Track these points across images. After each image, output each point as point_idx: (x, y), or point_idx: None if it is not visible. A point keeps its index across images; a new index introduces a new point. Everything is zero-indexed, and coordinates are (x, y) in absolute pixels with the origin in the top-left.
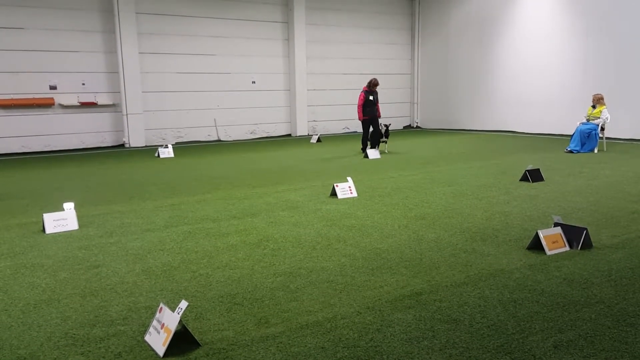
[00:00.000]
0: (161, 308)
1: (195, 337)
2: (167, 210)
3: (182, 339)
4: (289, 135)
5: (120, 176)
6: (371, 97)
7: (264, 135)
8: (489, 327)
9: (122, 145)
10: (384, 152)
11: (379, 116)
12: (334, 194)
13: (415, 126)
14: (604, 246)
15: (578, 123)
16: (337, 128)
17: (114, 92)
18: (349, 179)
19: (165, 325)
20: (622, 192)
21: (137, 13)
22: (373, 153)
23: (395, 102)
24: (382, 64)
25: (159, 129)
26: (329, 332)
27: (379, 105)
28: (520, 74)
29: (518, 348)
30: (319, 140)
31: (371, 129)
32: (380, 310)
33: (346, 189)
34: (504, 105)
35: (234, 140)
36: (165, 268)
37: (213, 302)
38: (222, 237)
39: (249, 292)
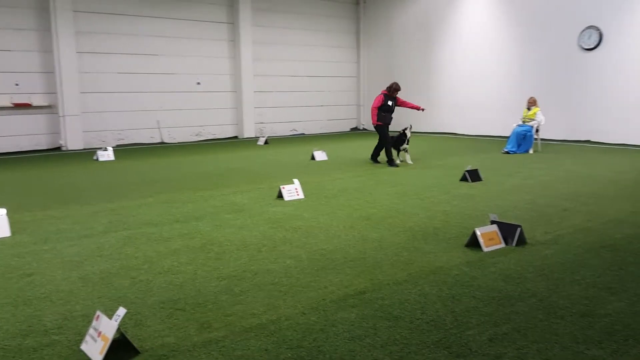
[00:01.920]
0: (98, 316)
1: (134, 345)
2: (106, 215)
3: (120, 347)
4: (236, 137)
5: (57, 180)
6: (390, 103)
7: (210, 137)
8: (428, 322)
9: (59, 149)
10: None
11: (389, 124)
12: (280, 196)
13: (361, 128)
14: (537, 242)
15: (514, 125)
16: (284, 130)
17: (50, 92)
18: (295, 180)
19: (102, 333)
20: (555, 190)
21: (74, 11)
22: (320, 155)
23: (342, 104)
24: (329, 66)
25: (98, 131)
26: (272, 334)
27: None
28: (461, 78)
29: (456, 342)
30: (266, 142)
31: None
32: (324, 310)
33: (293, 191)
34: (445, 108)
35: (178, 143)
36: (103, 275)
37: (154, 308)
38: (164, 241)
39: (192, 297)
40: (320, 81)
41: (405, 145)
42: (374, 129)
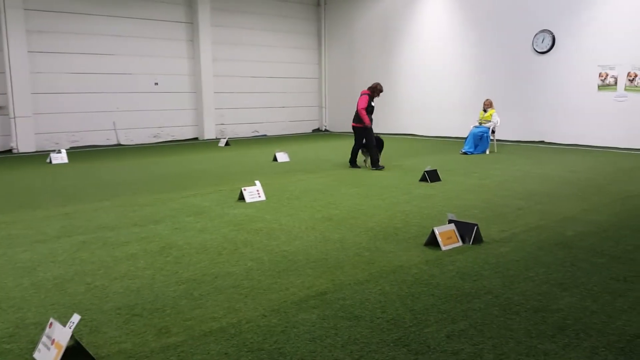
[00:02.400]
0: (51, 323)
1: (89, 352)
2: (59, 220)
3: (75, 355)
4: (196, 138)
5: (8, 184)
6: (373, 104)
7: (169, 139)
8: (388, 321)
9: (10, 151)
10: (363, 166)
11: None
12: (241, 198)
13: (324, 129)
14: (493, 240)
15: (471, 126)
16: (246, 131)
17: (0, 93)
18: (257, 182)
19: (55, 340)
20: (510, 190)
21: (25, 10)
22: (282, 156)
23: (304, 105)
24: (291, 67)
25: (51, 133)
26: (233, 337)
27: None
28: (420, 80)
29: (414, 340)
30: (227, 143)
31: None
32: (285, 312)
33: (254, 193)
34: (405, 109)
35: (135, 145)
36: (56, 281)
37: (110, 314)
38: (120, 246)
39: (149, 302)
40: (282, 82)
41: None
42: (353, 131)
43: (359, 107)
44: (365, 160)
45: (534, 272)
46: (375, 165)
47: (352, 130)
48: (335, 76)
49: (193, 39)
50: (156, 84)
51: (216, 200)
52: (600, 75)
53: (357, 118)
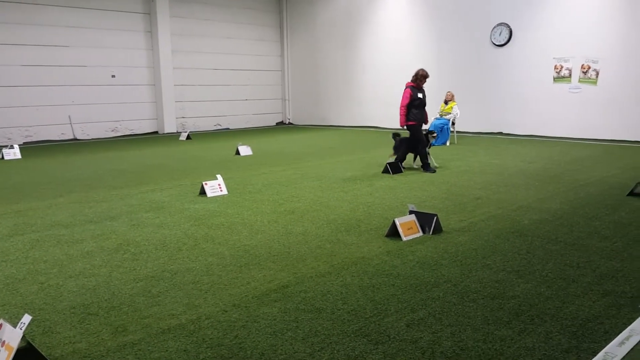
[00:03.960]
0: (1, 324)
1: (42, 353)
2: (11, 218)
3: (26, 356)
4: (156, 132)
5: None
6: (420, 95)
7: (127, 133)
8: (349, 312)
9: None
10: (414, 167)
11: (426, 122)
12: (202, 192)
13: (287, 122)
14: (452, 230)
15: (433, 118)
16: (208, 125)
17: None
18: (218, 176)
19: (5, 342)
20: (469, 180)
21: None
22: (245, 149)
23: (267, 98)
24: (253, 60)
25: (3, 128)
26: (192, 334)
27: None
28: (383, 72)
29: (375, 330)
30: (188, 137)
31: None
32: (246, 307)
33: (216, 187)
34: (369, 102)
35: (92, 139)
36: (8, 281)
37: (64, 314)
38: (75, 243)
39: (106, 300)
40: (245, 75)
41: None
42: (414, 130)
43: (400, 104)
44: (414, 161)
45: (491, 260)
46: (427, 168)
47: (313, 123)
48: (298, 69)
49: (151, 30)
50: (113, 76)
51: (176, 195)
52: (555, 67)
53: (410, 115)
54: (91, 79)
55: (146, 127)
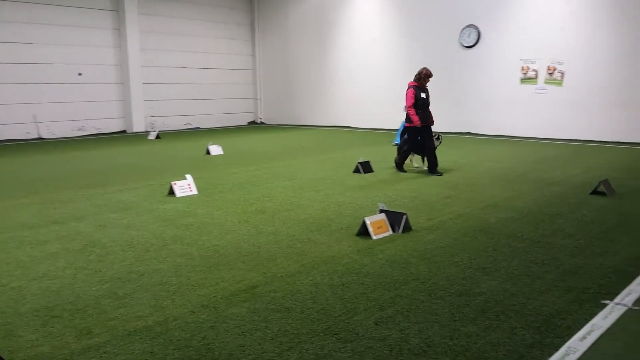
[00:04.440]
0: None
1: (3, 357)
2: None
3: None
4: (124, 131)
5: None
6: (423, 95)
7: (95, 132)
8: (318, 311)
9: None
10: (421, 167)
11: (432, 123)
12: (171, 192)
13: (259, 122)
14: (422, 228)
15: (403, 118)
16: (178, 124)
17: None
18: (188, 176)
19: None
20: (438, 179)
21: None
22: (215, 149)
23: (239, 97)
24: (224, 58)
25: None
26: (159, 335)
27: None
28: (354, 72)
29: (344, 328)
30: (157, 136)
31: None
32: (214, 308)
33: (185, 187)
34: (341, 101)
35: (58, 138)
36: None
37: (27, 317)
38: (39, 245)
39: (70, 302)
40: (216, 73)
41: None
42: (409, 132)
43: (405, 106)
44: (424, 162)
45: (459, 257)
46: (400, 167)
47: (286, 123)
48: (270, 68)
49: (119, 27)
50: (80, 74)
51: (144, 196)
52: (522, 68)
53: (408, 117)
54: (57, 77)
55: (114, 126)
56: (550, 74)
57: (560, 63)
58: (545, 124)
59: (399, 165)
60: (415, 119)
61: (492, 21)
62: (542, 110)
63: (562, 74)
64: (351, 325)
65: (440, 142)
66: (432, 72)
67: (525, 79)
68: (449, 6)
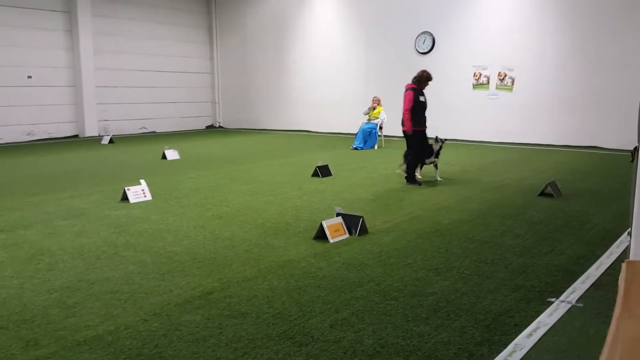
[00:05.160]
0: None
1: None
2: None
3: None
4: (76, 136)
5: None
6: (422, 99)
7: (45, 136)
8: (274, 316)
9: None
10: (437, 179)
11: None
12: (125, 198)
13: (218, 126)
14: (378, 231)
15: (361, 122)
16: (133, 128)
17: None
18: (142, 181)
19: None
20: (395, 183)
21: None
22: (171, 154)
23: (196, 101)
24: (181, 61)
25: None
26: (110, 345)
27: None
28: (313, 77)
29: (299, 332)
30: (111, 141)
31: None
32: (168, 315)
33: (139, 192)
34: (299, 105)
35: (6, 143)
36: None
37: None
38: None
39: (16, 313)
40: (172, 77)
41: (433, 159)
42: (405, 137)
43: (403, 109)
44: (400, 165)
45: (413, 259)
46: (411, 180)
47: (244, 127)
48: (228, 71)
49: (71, 29)
50: (29, 77)
51: (96, 202)
52: (474, 74)
53: (414, 120)
54: (5, 80)
55: (66, 131)
56: (502, 79)
57: (510, 69)
58: (497, 129)
59: (410, 178)
60: (408, 124)
61: (446, 28)
62: (494, 115)
63: (513, 80)
64: (306, 328)
65: (442, 145)
66: (432, 76)
67: (478, 85)
68: (404, 13)
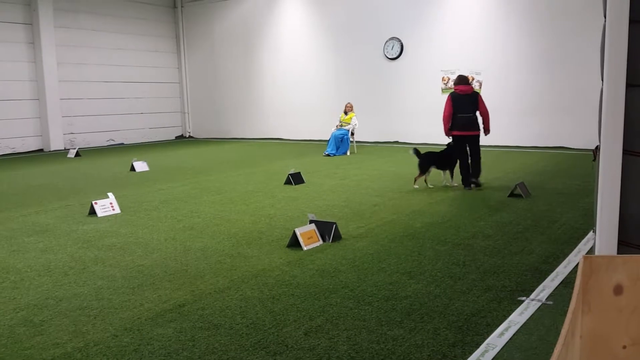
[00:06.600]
0: None
1: None
2: None
3: None
4: (41, 150)
5: None
6: (461, 102)
7: (8, 151)
8: (247, 326)
9: None
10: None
11: (478, 133)
12: (93, 212)
13: (187, 136)
14: (351, 237)
15: (333, 129)
16: (100, 140)
17: None
18: (110, 194)
19: None
20: (367, 188)
21: None
22: (140, 165)
23: (165, 111)
24: (148, 71)
25: None
26: None
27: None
28: (282, 84)
29: (273, 341)
30: (77, 154)
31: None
32: (139, 330)
33: (107, 206)
34: (270, 113)
35: None
36: None
37: None
38: None
39: None
40: (139, 87)
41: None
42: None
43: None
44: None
45: (386, 263)
46: (468, 183)
47: (215, 136)
48: (197, 81)
49: (34, 41)
50: None
51: (63, 217)
52: (443, 79)
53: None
54: None
55: (30, 145)
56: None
57: (477, 73)
58: None
59: (465, 181)
60: (445, 128)
61: (414, 34)
62: None
63: (480, 83)
64: (281, 337)
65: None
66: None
67: (447, 89)
68: (372, 19)
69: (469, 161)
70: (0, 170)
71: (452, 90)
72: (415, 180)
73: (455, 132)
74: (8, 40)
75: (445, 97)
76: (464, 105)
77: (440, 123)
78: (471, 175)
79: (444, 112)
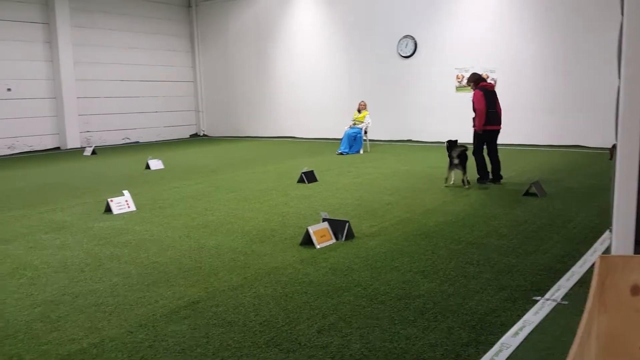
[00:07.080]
0: None
1: None
2: None
3: None
4: (58, 148)
5: None
6: (488, 96)
7: (27, 149)
8: (261, 323)
9: None
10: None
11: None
12: (108, 209)
13: (202, 134)
14: (364, 235)
15: (346, 127)
16: (115, 139)
17: None
18: (125, 192)
19: None
20: (380, 187)
21: None
22: (155, 163)
23: (180, 110)
24: (163, 70)
25: None
26: (94, 358)
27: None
28: (297, 83)
29: (286, 339)
30: (93, 152)
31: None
32: (153, 326)
33: (122, 203)
34: (284, 112)
35: None
36: None
37: None
38: None
39: None
40: (154, 86)
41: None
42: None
43: (478, 108)
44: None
45: (399, 262)
46: (483, 179)
47: (228, 135)
48: (211, 79)
49: (51, 41)
50: (9, 89)
51: (79, 214)
52: (457, 77)
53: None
54: None
55: (47, 143)
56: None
57: (492, 71)
58: None
59: (482, 178)
60: (478, 122)
61: (428, 32)
62: None
63: (495, 81)
64: (294, 335)
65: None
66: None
67: (461, 87)
68: (385, 17)
69: (489, 157)
70: (18, 168)
71: (480, 86)
72: (445, 180)
73: (488, 127)
74: (25, 40)
75: (458, 95)
76: (492, 100)
77: (454, 120)
78: (497, 170)
79: (480, 106)
